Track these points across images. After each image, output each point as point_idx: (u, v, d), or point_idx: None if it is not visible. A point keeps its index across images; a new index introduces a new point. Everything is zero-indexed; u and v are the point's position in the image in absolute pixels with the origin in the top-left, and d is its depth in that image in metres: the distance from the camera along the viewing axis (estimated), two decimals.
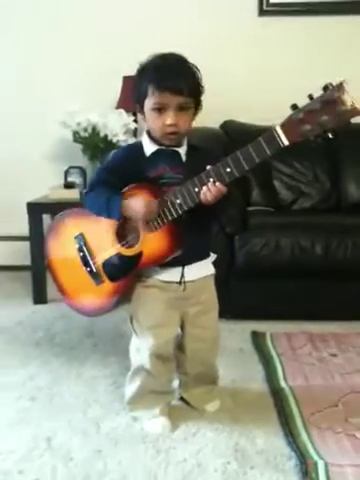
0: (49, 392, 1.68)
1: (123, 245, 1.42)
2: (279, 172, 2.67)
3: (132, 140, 2.58)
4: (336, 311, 2.22)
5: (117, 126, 2.62)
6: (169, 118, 1.33)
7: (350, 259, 2.13)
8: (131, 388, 1.54)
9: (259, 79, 2.88)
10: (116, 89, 2.75)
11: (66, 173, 2.82)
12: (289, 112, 1.17)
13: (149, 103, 1.35)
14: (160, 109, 1.34)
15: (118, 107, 2.70)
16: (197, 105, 1.39)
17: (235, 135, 2.58)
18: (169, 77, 1.31)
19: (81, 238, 1.50)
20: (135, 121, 2.65)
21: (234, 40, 2.91)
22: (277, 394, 1.65)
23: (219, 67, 2.87)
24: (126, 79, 2.69)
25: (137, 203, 1.33)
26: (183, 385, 1.60)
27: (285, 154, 2.65)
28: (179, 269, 1.42)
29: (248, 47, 2.92)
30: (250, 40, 2.92)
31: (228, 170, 1.25)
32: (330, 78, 1.13)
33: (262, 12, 2.91)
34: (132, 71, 1.42)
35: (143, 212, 1.32)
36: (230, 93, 2.81)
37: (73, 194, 2.54)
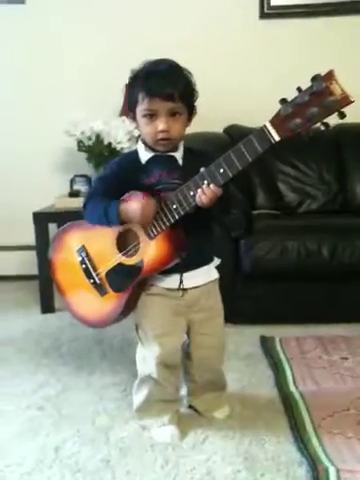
0: (58, 401, 1.68)
1: (124, 254, 1.41)
2: (284, 174, 2.66)
3: (135, 147, 2.59)
4: (345, 314, 2.20)
5: (121, 134, 2.63)
6: (161, 124, 1.32)
7: (357, 261, 2.11)
8: (139, 397, 1.53)
9: (261, 82, 2.87)
10: (119, 97, 2.75)
11: (71, 182, 2.82)
12: None
13: (140, 110, 1.35)
14: (151, 115, 1.33)
15: (121, 115, 2.70)
16: (191, 110, 1.38)
17: (239, 139, 2.57)
18: (158, 83, 1.30)
19: (82, 250, 1.50)
20: None
21: (236, 43, 2.91)
22: (287, 399, 1.63)
23: (221, 71, 2.88)
24: None
25: (134, 206, 1.32)
26: (191, 392, 1.59)
27: (290, 156, 2.67)
28: (180, 275, 1.40)
29: (250, 50, 2.92)
30: (252, 43, 2.92)
31: (221, 171, 1.24)
32: None
33: (263, 15, 2.91)
34: None
35: (140, 214, 1.31)
36: (233, 97, 2.81)
37: (78, 203, 2.53)
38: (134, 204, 1.32)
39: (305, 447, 1.37)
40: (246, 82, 2.90)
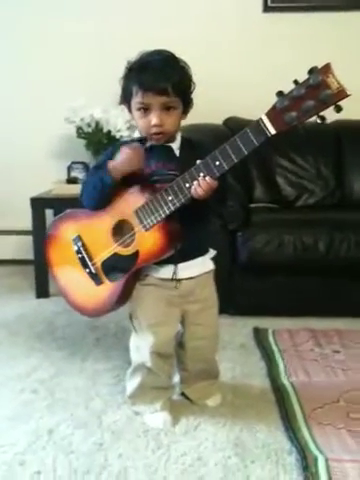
0: (51, 385, 1.69)
1: (120, 245, 1.42)
2: (282, 168, 2.66)
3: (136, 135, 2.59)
4: (339, 308, 2.22)
5: (120, 122, 2.63)
6: (154, 118, 1.32)
7: (353, 256, 2.13)
8: (132, 384, 1.55)
9: (263, 76, 2.86)
10: (119, 86, 2.74)
11: (69, 168, 2.82)
12: None
13: (134, 103, 1.35)
14: (145, 109, 1.33)
15: (120, 103, 2.70)
16: (186, 103, 1.38)
17: (238, 131, 2.57)
18: (152, 77, 1.30)
19: (78, 240, 1.50)
20: None
21: (238, 36, 2.91)
22: (278, 390, 1.65)
23: (223, 63, 2.87)
24: None
25: (122, 152, 1.33)
26: (184, 381, 1.61)
27: (288, 150, 2.68)
28: (174, 266, 1.41)
29: (252, 43, 2.91)
30: (254, 36, 2.91)
31: (217, 163, 1.24)
32: (336, 73, 1.09)
33: (267, 8, 2.89)
34: None
35: (127, 157, 1.32)
36: (233, 89, 2.81)
37: (76, 189, 2.53)
38: (122, 151, 1.33)
39: (295, 436, 1.40)
40: (247, 75, 2.89)
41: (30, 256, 2.58)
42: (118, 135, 2.63)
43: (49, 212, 2.55)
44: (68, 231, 1.53)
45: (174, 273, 1.41)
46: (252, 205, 2.49)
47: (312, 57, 3.01)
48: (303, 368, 1.79)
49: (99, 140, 2.67)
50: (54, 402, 1.59)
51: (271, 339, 2.03)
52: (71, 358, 1.89)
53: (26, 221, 2.56)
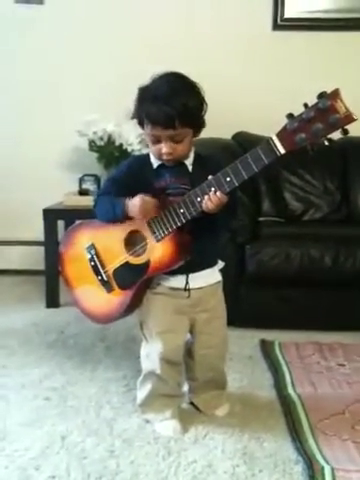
0: (63, 393, 1.73)
1: (131, 254, 1.47)
2: (290, 183, 2.71)
3: (146, 150, 2.65)
4: (344, 321, 2.25)
5: (132, 136, 2.69)
6: (164, 148, 1.39)
7: (359, 270, 2.17)
8: (142, 392, 1.58)
9: (272, 93, 2.92)
10: (132, 100, 2.80)
11: (81, 180, 2.88)
12: None
13: (146, 131, 1.42)
14: (155, 139, 1.39)
15: (133, 118, 2.76)
16: (198, 126, 1.42)
17: (247, 146, 2.63)
18: (159, 112, 1.34)
19: (92, 248, 1.55)
20: None
21: (248, 54, 2.97)
22: (285, 401, 1.68)
23: (233, 80, 2.92)
24: None
25: (134, 200, 1.40)
26: (192, 390, 1.64)
27: (296, 166, 2.73)
28: (185, 276, 1.46)
29: (262, 61, 2.97)
30: (263, 54, 2.96)
31: (228, 179, 1.30)
32: (344, 93, 1.15)
33: (276, 26, 2.96)
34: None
35: (139, 207, 1.38)
36: (242, 105, 2.86)
37: (87, 201, 2.60)
38: (135, 198, 1.40)
39: (302, 446, 1.43)
40: (256, 91, 2.95)
41: (39, 266, 2.63)
42: (130, 149, 2.69)
43: (60, 223, 2.61)
44: (82, 239, 1.59)
45: (187, 283, 1.46)
46: (260, 219, 2.54)
47: (320, 75, 3.09)
48: (309, 380, 1.82)
49: (111, 153, 2.73)
50: (66, 409, 1.63)
51: (278, 351, 2.06)
52: (82, 367, 1.93)
53: (37, 232, 2.62)
